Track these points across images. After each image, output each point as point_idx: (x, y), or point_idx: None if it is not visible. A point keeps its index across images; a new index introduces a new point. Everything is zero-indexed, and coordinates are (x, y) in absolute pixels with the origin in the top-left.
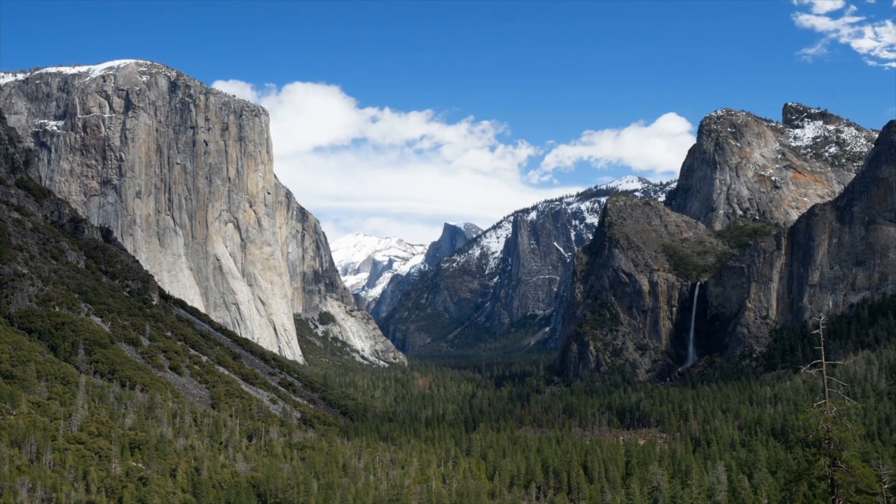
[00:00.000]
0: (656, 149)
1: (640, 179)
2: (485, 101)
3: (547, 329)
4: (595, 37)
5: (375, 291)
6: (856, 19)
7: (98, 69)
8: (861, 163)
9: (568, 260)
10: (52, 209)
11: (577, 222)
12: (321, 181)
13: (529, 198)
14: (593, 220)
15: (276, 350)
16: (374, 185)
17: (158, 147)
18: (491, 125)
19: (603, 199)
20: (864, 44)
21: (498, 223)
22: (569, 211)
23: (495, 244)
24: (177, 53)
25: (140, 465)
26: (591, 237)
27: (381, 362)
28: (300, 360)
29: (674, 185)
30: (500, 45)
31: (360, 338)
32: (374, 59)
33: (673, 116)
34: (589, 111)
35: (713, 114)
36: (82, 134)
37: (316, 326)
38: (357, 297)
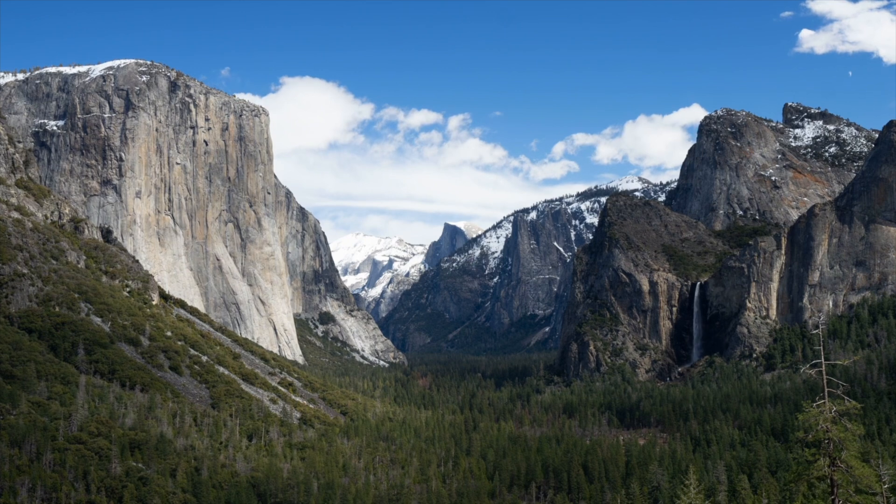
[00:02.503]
0: (664, 144)
1: (641, 179)
2: (486, 99)
3: (547, 329)
4: (595, 36)
5: (375, 291)
6: (876, 4)
7: (98, 69)
8: (861, 163)
9: (568, 260)
10: (52, 209)
11: (577, 222)
12: (320, 178)
13: (530, 196)
14: (593, 219)
15: (276, 350)
16: (374, 183)
17: (158, 147)
18: (491, 122)
19: (603, 199)
20: (877, 34)
21: (498, 223)
22: (569, 211)
23: (495, 244)
24: (177, 53)
25: (140, 465)
26: (591, 237)
27: (381, 362)
28: (300, 360)
29: (674, 185)
30: (499, 44)
31: (360, 338)
32: (374, 56)
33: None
34: (591, 109)
35: (713, 114)
36: (82, 134)
37: (316, 326)
38: (357, 297)
